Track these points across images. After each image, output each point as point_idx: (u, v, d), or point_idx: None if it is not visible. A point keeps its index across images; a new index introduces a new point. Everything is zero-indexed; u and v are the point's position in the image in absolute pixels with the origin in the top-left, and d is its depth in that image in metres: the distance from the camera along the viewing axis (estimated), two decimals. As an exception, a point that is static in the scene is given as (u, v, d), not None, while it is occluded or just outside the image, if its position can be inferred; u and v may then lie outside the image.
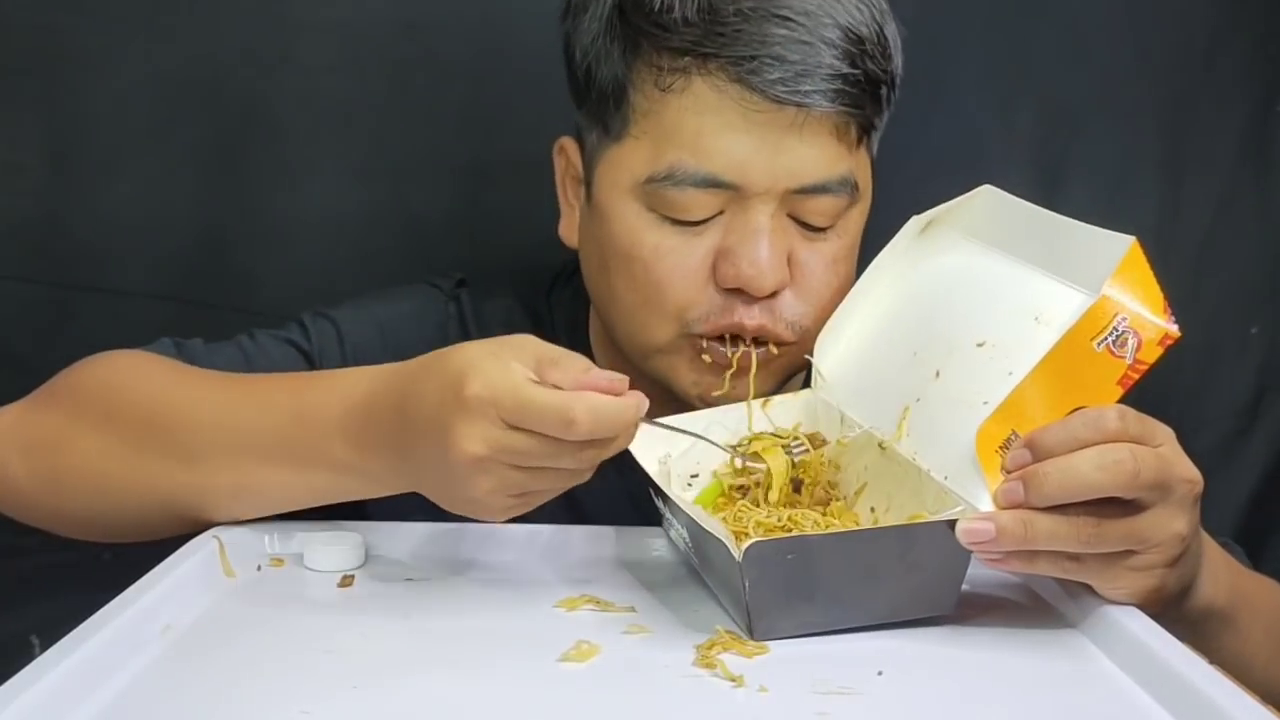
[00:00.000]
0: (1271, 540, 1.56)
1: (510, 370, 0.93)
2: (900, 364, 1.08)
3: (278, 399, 1.07)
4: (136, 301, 1.48)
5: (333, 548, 1.07)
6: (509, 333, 0.99)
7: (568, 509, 1.22)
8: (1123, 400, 0.95)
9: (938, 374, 1.04)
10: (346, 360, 1.22)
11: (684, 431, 1.08)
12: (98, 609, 0.91)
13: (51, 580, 1.38)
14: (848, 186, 1.13)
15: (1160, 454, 0.93)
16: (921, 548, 0.95)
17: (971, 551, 0.94)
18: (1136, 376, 0.95)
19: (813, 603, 0.94)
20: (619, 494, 1.19)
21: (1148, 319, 0.95)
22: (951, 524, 0.93)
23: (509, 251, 1.46)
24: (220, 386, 1.11)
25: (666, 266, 1.13)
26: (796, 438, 1.11)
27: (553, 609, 1.00)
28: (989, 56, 1.55)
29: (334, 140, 1.50)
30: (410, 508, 1.17)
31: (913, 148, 1.37)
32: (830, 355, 1.13)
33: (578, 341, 1.25)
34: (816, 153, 1.11)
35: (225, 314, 1.47)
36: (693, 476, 1.10)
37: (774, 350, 1.14)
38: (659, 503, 1.07)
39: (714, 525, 0.95)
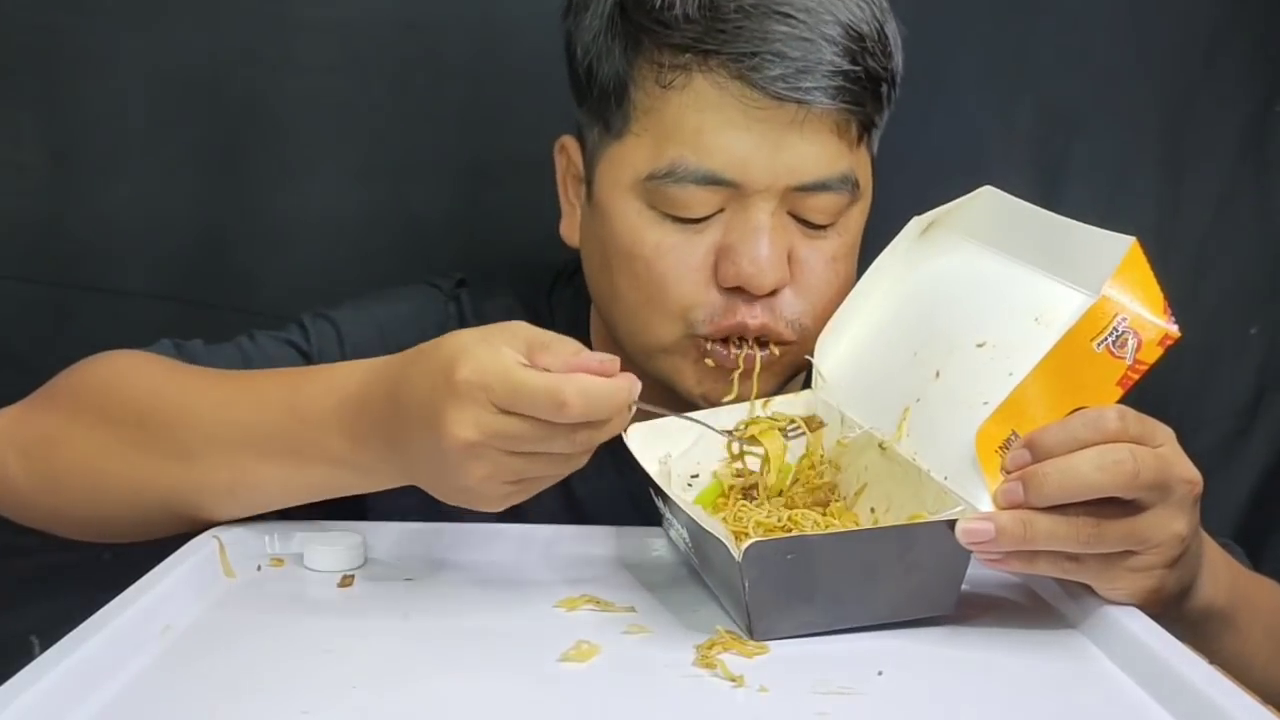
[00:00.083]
0: (1271, 540, 1.56)
1: (501, 354, 0.93)
2: (900, 364, 1.08)
3: (273, 394, 1.07)
4: (136, 301, 1.48)
5: (333, 548, 1.07)
6: None
7: (568, 509, 1.22)
8: (1123, 400, 0.95)
9: (938, 374, 1.04)
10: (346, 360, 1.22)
11: (679, 416, 1.08)
12: (98, 609, 0.91)
13: (51, 580, 1.38)
14: (848, 184, 1.13)
15: (1160, 454, 0.93)
16: (921, 548, 0.95)
17: (971, 551, 0.94)
18: (1136, 377, 0.95)
19: (813, 603, 0.94)
20: (619, 494, 1.19)
21: (1148, 319, 0.95)
22: (951, 524, 0.93)
23: (509, 251, 1.46)
24: (216, 383, 1.11)
25: (668, 264, 1.13)
26: (793, 421, 1.11)
27: (553, 609, 1.00)
28: (989, 56, 1.55)
29: (334, 140, 1.50)
30: (410, 507, 1.18)
31: (913, 147, 1.37)
32: (831, 356, 1.13)
33: (579, 341, 1.25)
34: (817, 150, 1.11)
35: (225, 314, 1.47)
36: (693, 477, 1.10)
37: (775, 352, 1.14)
38: (659, 503, 1.07)
39: (714, 525, 0.95)
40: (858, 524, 1.05)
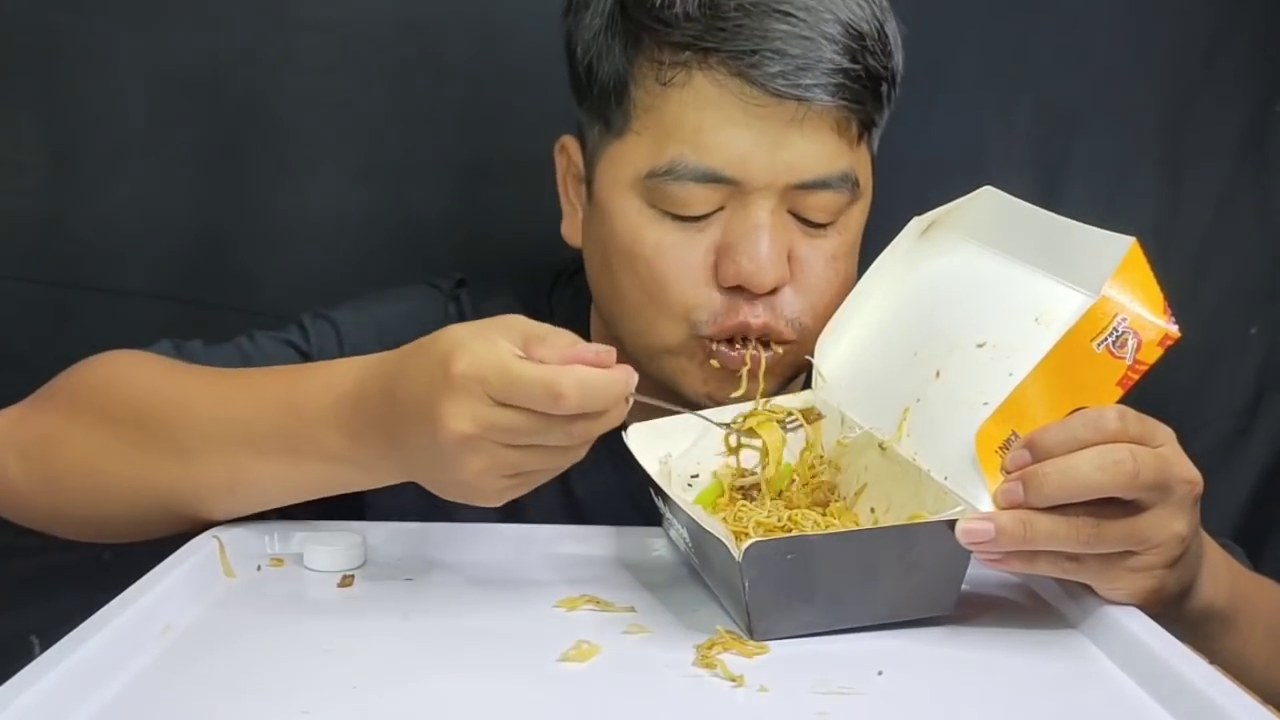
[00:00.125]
0: (1271, 540, 1.56)
1: (497, 347, 0.92)
2: (900, 365, 1.08)
3: (270, 391, 1.06)
4: (136, 301, 1.48)
5: (333, 548, 1.07)
6: None
7: (568, 509, 1.22)
8: (1123, 401, 0.95)
9: (938, 374, 1.04)
10: (345, 360, 1.22)
11: (675, 409, 1.08)
12: (98, 609, 0.91)
13: (51, 580, 1.38)
14: (848, 183, 1.13)
15: (1160, 454, 0.93)
16: (921, 548, 0.95)
17: (971, 551, 0.94)
18: (1136, 377, 0.95)
19: (813, 603, 0.94)
20: (619, 494, 1.19)
21: (1148, 319, 0.95)
22: (951, 524, 0.93)
23: (509, 251, 1.47)
24: (213, 381, 1.11)
25: (668, 263, 1.13)
26: (790, 413, 1.11)
27: (553, 609, 1.00)
28: (988, 56, 1.55)
29: (334, 140, 1.50)
30: (410, 507, 1.18)
31: (913, 147, 1.37)
32: (831, 356, 1.13)
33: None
34: (817, 148, 1.11)
35: (225, 314, 1.47)
36: (693, 477, 1.10)
37: (779, 351, 1.14)
38: (659, 502, 1.07)
39: (714, 525, 0.95)
40: (858, 524, 1.05)
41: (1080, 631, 0.98)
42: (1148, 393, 0.95)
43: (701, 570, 1.03)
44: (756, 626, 0.94)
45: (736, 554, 0.91)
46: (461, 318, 1.27)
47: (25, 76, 1.46)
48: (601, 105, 1.16)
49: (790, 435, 1.11)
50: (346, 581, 1.05)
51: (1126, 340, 0.95)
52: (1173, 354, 0.96)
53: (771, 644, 0.93)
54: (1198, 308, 1.54)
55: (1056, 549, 0.93)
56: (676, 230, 1.13)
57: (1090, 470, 0.91)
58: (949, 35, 1.50)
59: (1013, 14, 1.55)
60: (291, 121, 1.49)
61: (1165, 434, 0.95)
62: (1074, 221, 1.03)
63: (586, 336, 1.26)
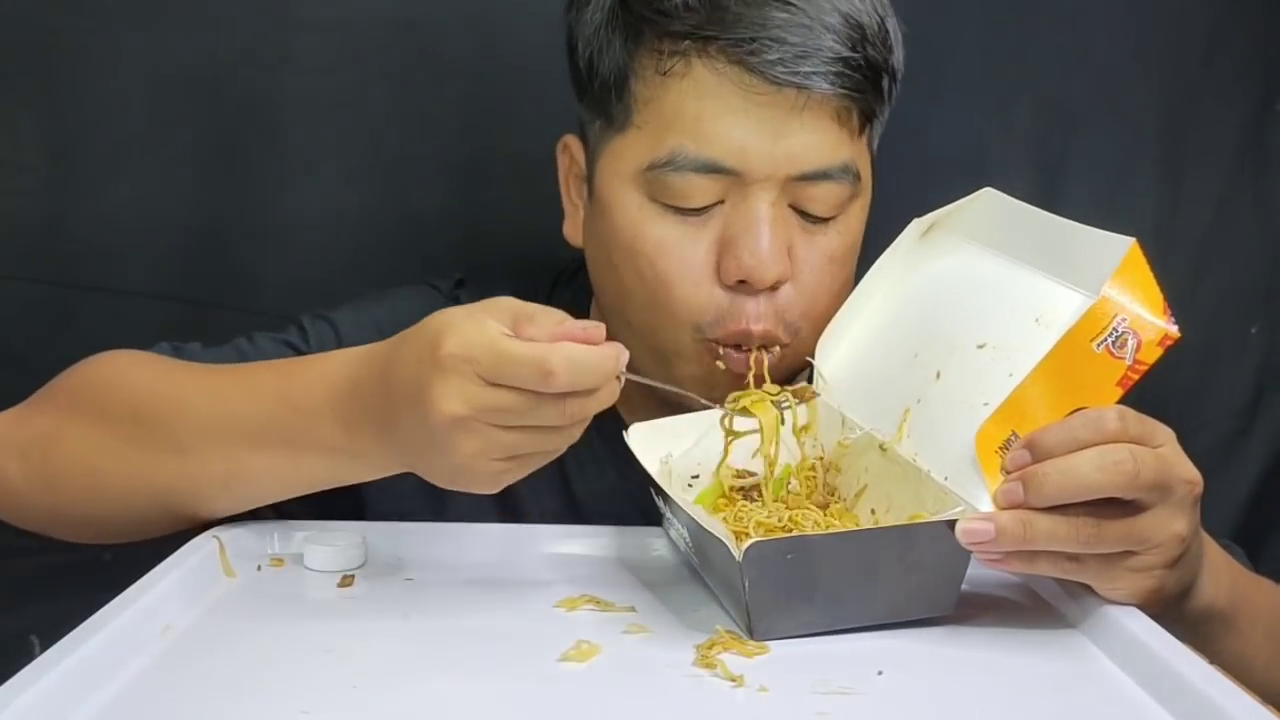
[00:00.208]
0: (1271, 540, 1.57)
1: (486, 327, 0.92)
2: (901, 366, 1.08)
3: (266, 384, 1.06)
4: (137, 301, 1.48)
5: (333, 548, 1.07)
6: None
7: (568, 509, 1.22)
8: (1122, 401, 0.95)
9: (938, 375, 1.04)
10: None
11: (667, 388, 1.07)
12: (98, 609, 0.91)
13: (51, 580, 1.38)
14: (849, 175, 1.13)
15: (1160, 455, 0.93)
16: (921, 548, 0.95)
17: (971, 552, 0.94)
18: (1136, 377, 0.95)
19: (813, 603, 0.94)
20: (619, 494, 1.19)
21: (1147, 320, 0.95)
22: (951, 524, 0.93)
23: (509, 250, 1.47)
24: (209, 376, 1.11)
25: (670, 262, 1.13)
26: (783, 391, 1.10)
27: (553, 609, 1.00)
28: (987, 56, 1.55)
29: (334, 140, 1.50)
30: (410, 507, 1.18)
31: (912, 147, 1.37)
32: (832, 357, 1.13)
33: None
34: (818, 138, 1.11)
35: (225, 313, 1.47)
36: (693, 477, 1.10)
37: (777, 353, 1.13)
38: (659, 502, 1.07)
39: (714, 525, 0.95)
40: (858, 524, 1.05)
41: (1080, 631, 0.98)
42: (1148, 393, 0.95)
43: (702, 570, 1.03)
44: (756, 626, 0.94)
45: (737, 554, 0.91)
46: (461, 317, 1.27)
47: (25, 76, 1.46)
48: (602, 100, 1.16)
49: (791, 440, 1.11)
50: (346, 581, 1.05)
51: (1126, 340, 0.95)
52: (1172, 354, 0.96)
53: (771, 644, 0.93)
54: (1197, 307, 1.54)
55: (1056, 549, 0.93)
56: (677, 226, 1.13)
57: (1090, 470, 0.91)
58: (949, 35, 1.51)
59: (1012, 14, 1.55)
60: (291, 121, 1.49)
61: (1165, 434, 0.95)
62: (1074, 222, 1.03)
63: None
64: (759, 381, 1.12)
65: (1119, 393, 0.95)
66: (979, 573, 0.97)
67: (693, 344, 1.14)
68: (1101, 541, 0.93)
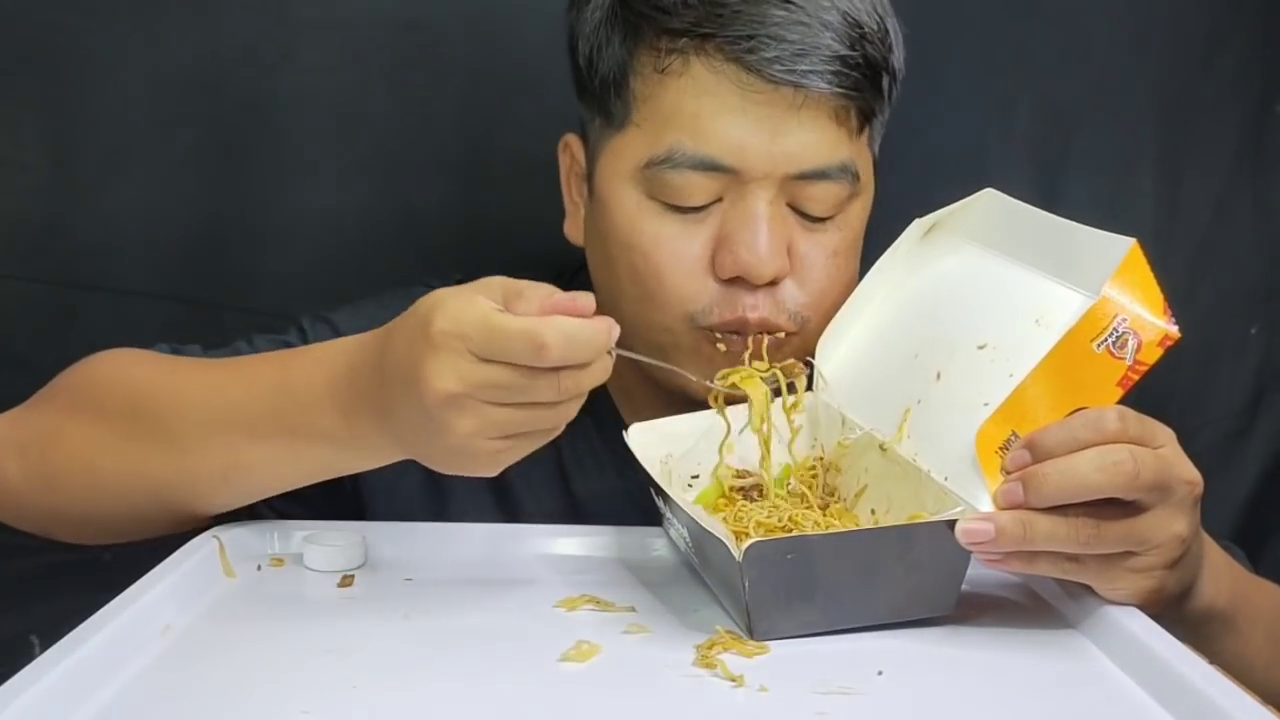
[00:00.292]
0: (1271, 541, 1.56)
1: (477, 304, 0.91)
2: (901, 366, 1.08)
3: (263, 376, 1.06)
4: (138, 300, 1.48)
5: (333, 548, 1.07)
6: None
7: (568, 509, 1.22)
8: (1123, 401, 0.95)
9: (939, 376, 1.04)
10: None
11: (658, 364, 1.07)
12: (98, 609, 0.91)
13: (51, 580, 1.38)
14: (848, 174, 1.13)
15: (1160, 455, 0.93)
16: (921, 548, 0.95)
17: (971, 552, 0.94)
18: (1136, 377, 0.95)
19: (813, 603, 0.94)
20: (619, 494, 1.19)
21: (1147, 320, 0.95)
22: (951, 524, 0.93)
23: (509, 249, 1.47)
24: (206, 370, 1.11)
25: (666, 255, 1.13)
26: (770, 368, 1.10)
27: (553, 609, 1.00)
28: (987, 56, 1.55)
29: (334, 139, 1.51)
30: (410, 508, 1.18)
31: (912, 147, 1.37)
32: (832, 358, 1.13)
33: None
34: (816, 137, 1.11)
35: (226, 313, 1.48)
36: (693, 477, 1.10)
37: (780, 338, 1.13)
38: (659, 502, 1.07)
39: (714, 525, 0.95)
40: (858, 525, 1.05)
41: (1080, 631, 0.98)
42: (1148, 393, 0.95)
43: (701, 570, 1.03)
44: (756, 626, 0.94)
45: (737, 554, 0.91)
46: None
47: (26, 76, 1.46)
48: (602, 98, 1.16)
49: (785, 444, 1.11)
50: (346, 581, 1.05)
51: (1126, 341, 0.95)
52: (1173, 354, 0.96)
53: (771, 644, 0.93)
54: (1197, 308, 1.54)
55: (1056, 549, 0.93)
56: (675, 222, 1.13)
57: (1090, 471, 0.91)
58: (949, 35, 1.51)
59: (1012, 14, 1.55)
60: (291, 121, 1.49)
61: (1165, 434, 0.95)
62: (1074, 223, 1.03)
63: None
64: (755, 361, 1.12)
65: (1119, 393, 0.95)
66: (979, 573, 0.97)
67: (688, 334, 1.14)
68: (1101, 542, 0.93)
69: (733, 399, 1.09)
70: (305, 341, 1.23)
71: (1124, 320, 0.95)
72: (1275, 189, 1.60)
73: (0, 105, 1.47)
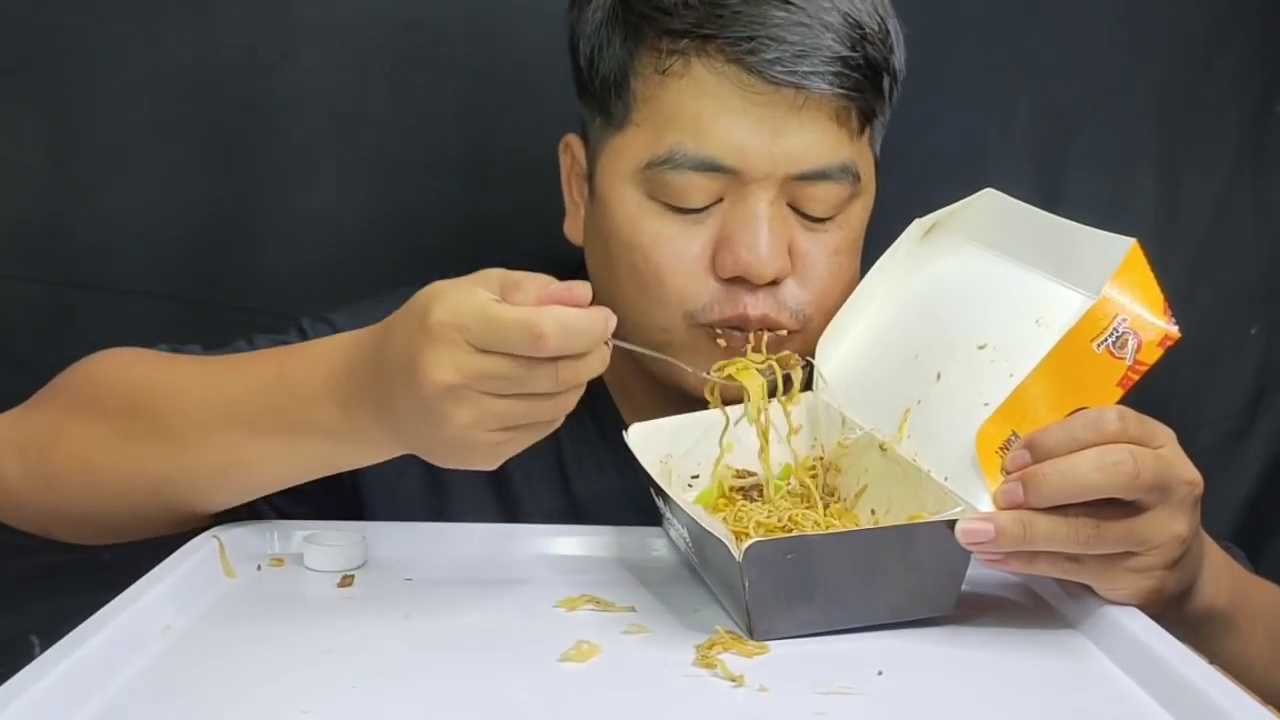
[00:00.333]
0: (1271, 541, 1.56)
1: (474, 294, 0.91)
2: (901, 366, 1.08)
3: (262, 371, 1.05)
4: (138, 300, 1.48)
5: (333, 548, 1.07)
6: None
7: (568, 509, 1.22)
8: (1123, 401, 0.95)
9: (939, 376, 1.04)
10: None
11: (655, 355, 1.07)
12: (98, 609, 0.91)
13: (51, 580, 1.38)
14: (849, 175, 1.13)
15: (1160, 455, 0.93)
16: (921, 548, 0.95)
17: (971, 552, 0.94)
18: (1136, 377, 0.95)
19: (813, 603, 0.94)
20: (619, 494, 1.19)
21: (1148, 320, 0.95)
22: (951, 524, 0.93)
23: (509, 249, 1.45)
24: (204, 367, 1.10)
25: (666, 254, 1.13)
26: (766, 359, 1.10)
27: (553, 609, 1.00)
28: (987, 56, 1.55)
29: (335, 139, 1.51)
30: (410, 509, 1.18)
31: (911, 148, 1.37)
32: (832, 358, 1.13)
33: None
34: (817, 138, 1.11)
35: (226, 313, 1.48)
36: (693, 477, 1.10)
37: (782, 335, 1.13)
38: (659, 502, 1.07)
39: (714, 525, 0.95)
40: (858, 525, 1.05)
41: (1080, 631, 0.98)
42: (1148, 393, 0.95)
43: (701, 570, 1.03)
44: (756, 626, 0.94)
45: (737, 554, 0.91)
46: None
47: (26, 76, 1.46)
48: (603, 98, 1.16)
49: (780, 443, 1.11)
50: (346, 581, 1.05)
51: (1126, 341, 0.95)
52: (1173, 354, 0.96)
53: (771, 644, 0.93)
54: (1197, 308, 1.54)
55: (1056, 549, 0.93)
56: (675, 223, 1.13)
57: (1090, 471, 0.91)
58: (949, 35, 1.51)
59: (1012, 14, 1.55)
60: (291, 121, 1.49)
61: (1165, 435, 0.95)
62: (1075, 223, 1.03)
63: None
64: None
65: (1119, 393, 0.95)
66: (979, 573, 0.97)
67: (686, 331, 1.13)
68: (1101, 542, 0.93)
69: (729, 399, 1.09)
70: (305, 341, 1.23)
71: (1124, 320, 0.95)
72: (1275, 189, 1.60)
73: (0, 105, 1.47)
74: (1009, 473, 0.94)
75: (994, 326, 1.03)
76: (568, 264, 1.28)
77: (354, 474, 1.18)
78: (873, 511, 1.05)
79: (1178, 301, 0.96)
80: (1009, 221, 1.09)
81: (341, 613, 1.00)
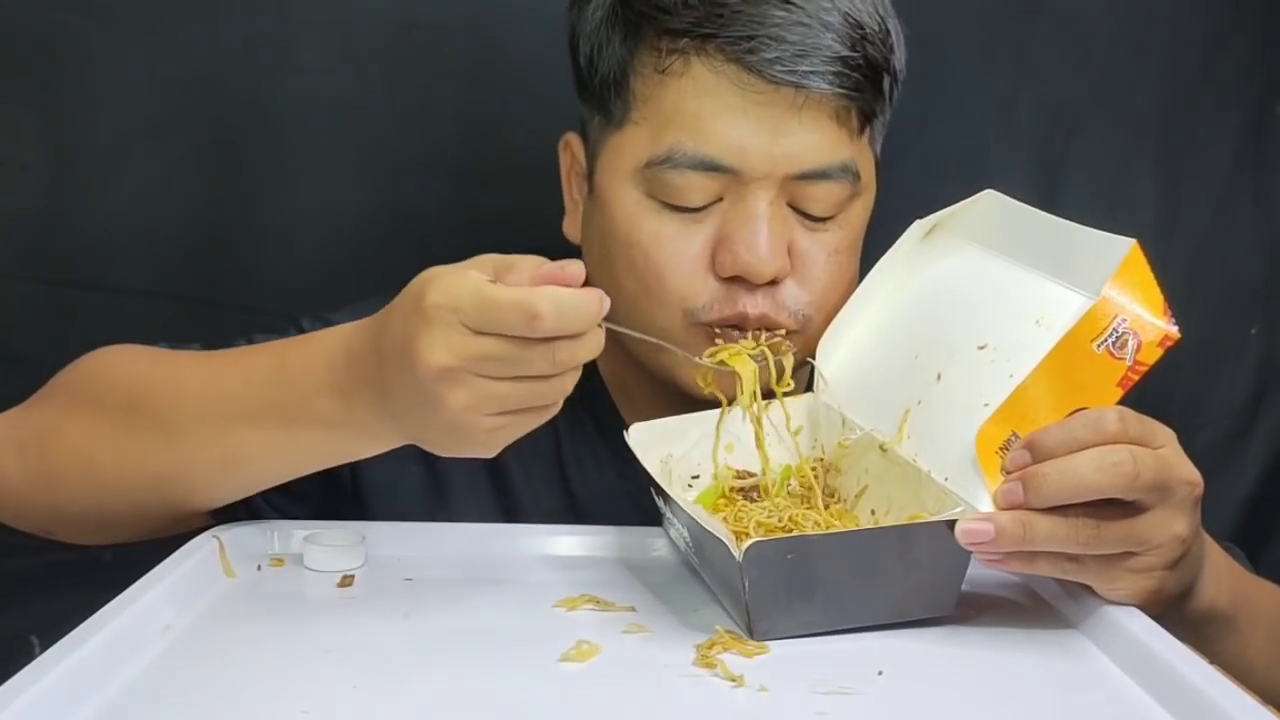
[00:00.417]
0: (1272, 541, 1.57)
1: (469, 276, 0.91)
2: (902, 367, 1.08)
3: (261, 365, 1.05)
4: (137, 300, 1.48)
5: (333, 548, 1.07)
6: None
7: (568, 509, 1.22)
8: (1123, 401, 0.95)
9: (939, 376, 1.04)
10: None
11: (650, 339, 1.07)
12: (98, 609, 0.91)
13: (51, 580, 1.38)
14: (849, 174, 1.13)
15: (1160, 455, 0.93)
16: (921, 548, 0.95)
17: (971, 552, 0.94)
18: (1136, 378, 0.95)
19: (813, 603, 0.94)
20: (619, 494, 1.19)
21: (1147, 320, 0.95)
22: (951, 524, 0.93)
23: (509, 249, 1.45)
24: (203, 361, 1.10)
25: (665, 254, 1.13)
26: (758, 347, 1.10)
27: (553, 609, 1.00)
28: (987, 56, 1.55)
29: (334, 139, 1.51)
30: (410, 506, 1.18)
31: (912, 148, 1.37)
32: (833, 358, 1.13)
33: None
34: (817, 137, 1.11)
35: (225, 313, 1.48)
36: (694, 477, 1.10)
37: (781, 334, 1.13)
38: (659, 502, 1.07)
39: (714, 525, 0.95)
40: (858, 525, 1.05)
41: (1080, 631, 0.98)
42: (1148, 393, 0.95)
43: (701, 570, 1.03)
44: (756, 626, 0.94)
45: (737, 554, 0.91)
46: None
47: (25, 76, 1.46)
48: (602, 97, 1.16)
49: (782, 443, 1.11)
50: (346, 581, 1.05)
51: (1126, 341, 0.95)
52: (1173, 354, 0.96)
53: (771, 644, 0.93)
54: (1197, 308, 1.54)
55: (1056, 550, 0.93)
56: (675, 222, 1.13)
57: (1090, 471, 0.91)
58: (949, 35, 1.51)
59: (1012, 14, 1.55)
60: (291, 121, 1.49)
61: (1166, 435, 0.95)
62: (1075, 224, 1.03)
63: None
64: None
65: (1119, 393, 0.95)
66: (979, 573, 0.97)
67: (685, 330, 1.13)
68: (1101, 542, 0.93)
69: (721, 391, 1.09)
70: (305, 342, 1.23)
71: (1124, 321, 0.95)
72: (1275, 189, 1.60)
73: (0, 105, 1.47)
74: (1009, 473, 0.94)
75: (994, 327, 1.03)
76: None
77: (355, 472, 1.18)
78: (873, 512, 1.05)
79: (1178, 301, 0.96)
80: (1009, 222, 1.09)
81: (341, 612, 1.00)
